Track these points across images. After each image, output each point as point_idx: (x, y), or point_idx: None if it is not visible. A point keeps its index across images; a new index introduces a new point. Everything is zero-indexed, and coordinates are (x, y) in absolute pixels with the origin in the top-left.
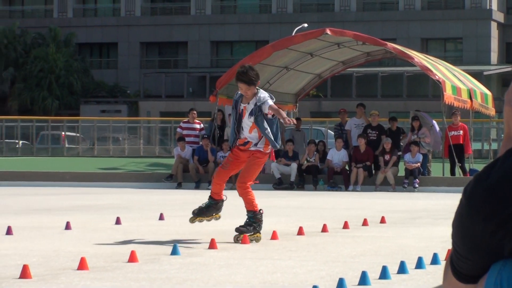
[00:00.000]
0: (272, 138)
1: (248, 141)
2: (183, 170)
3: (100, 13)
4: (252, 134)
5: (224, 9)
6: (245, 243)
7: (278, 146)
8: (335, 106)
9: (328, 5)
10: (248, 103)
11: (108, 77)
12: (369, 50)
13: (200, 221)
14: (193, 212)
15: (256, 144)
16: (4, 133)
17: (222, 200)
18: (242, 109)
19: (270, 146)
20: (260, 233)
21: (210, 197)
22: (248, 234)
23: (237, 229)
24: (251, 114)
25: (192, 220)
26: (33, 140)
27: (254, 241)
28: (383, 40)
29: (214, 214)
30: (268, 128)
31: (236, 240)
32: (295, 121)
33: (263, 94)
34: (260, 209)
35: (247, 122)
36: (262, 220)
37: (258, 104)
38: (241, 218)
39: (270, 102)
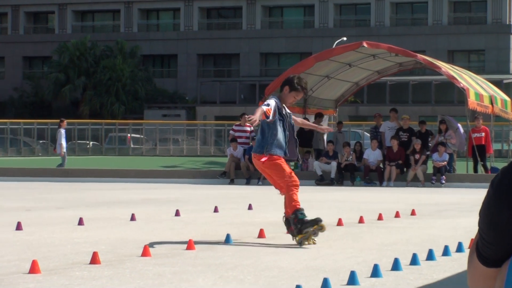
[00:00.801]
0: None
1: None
2: (235, 167)
3: (161, 28)
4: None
5: (272, 24)
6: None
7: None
8: (371, 111)
9: (365, 21)
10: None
11: (169, 85)
12: (401, 61)
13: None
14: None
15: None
16: (76, 135)
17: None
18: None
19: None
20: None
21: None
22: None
23: (293, 232)
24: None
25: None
26: (102, 141)
27: (318, 232)
28: (414, 52)
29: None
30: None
31: (300, 243)
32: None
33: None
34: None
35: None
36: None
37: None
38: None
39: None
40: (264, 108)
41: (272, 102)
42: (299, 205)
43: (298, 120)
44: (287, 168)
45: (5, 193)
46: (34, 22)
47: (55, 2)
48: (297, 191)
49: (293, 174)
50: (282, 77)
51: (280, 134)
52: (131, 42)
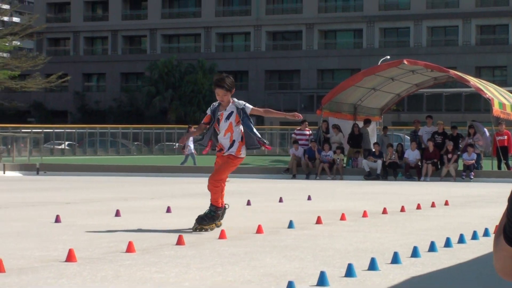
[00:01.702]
0: (259, 135)
1: (222, 148)
2: (297, 165)
3: (235, 48)
4: (225, 137)
5: (327, 45)
6: (343, 220)
7: (266, 142)
8: (410, 117)
9: (405, 42)
10: (225, 109)
11: (241, 95)
12: (436, 76)
13: (201, 229)
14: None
15: (228, 149)
16: (164, 138)
17: (224, 208)
18: (219, 116)
19: (242, 151)
20: (215, 224)
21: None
22: (205, 224)
23: (197, 220)
24: (227, 118)
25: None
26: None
27: (209, 230)
28: (447, 68)
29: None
30: (254, 128)
31: (195, 230)
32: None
33: (239, 100)
34: (225, 204)
35: (224, 125)
36: (220, 215)
37: (239, 107)
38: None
39: (250, 106)
40: (202, 122)
41: (208, 110)
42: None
43: (261, 110)
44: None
45: (106, 186)
46: (130, 44)
47: (147, 27)
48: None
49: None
50: (335, 89)
51: (210, 130)
52: (210, 60)
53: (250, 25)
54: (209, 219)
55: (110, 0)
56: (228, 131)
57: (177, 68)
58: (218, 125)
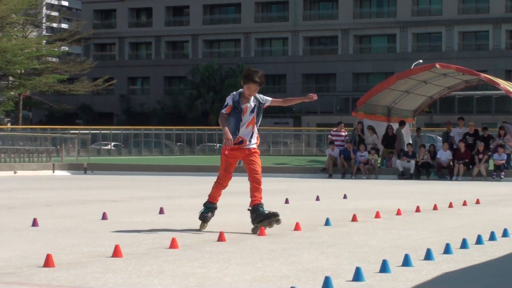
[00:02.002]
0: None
1: (242, 140)
2: (333, 165)
3: (273, 53)
4: (247, 129)
5: (362, 50)
6: (378, 218)
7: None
8: (442, 119)
9: (437, 46)
10: (249, 102)
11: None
12: (467, 79)
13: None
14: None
15: (250, 142)
16: (206, 139)
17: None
18: (244, 108)
19: (258, 141)
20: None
21: (209, 202)
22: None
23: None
24: (252, 111)
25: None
26: None
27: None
28: (478, 71)
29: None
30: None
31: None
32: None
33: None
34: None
35: (248, 118)
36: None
37: (262, 102)
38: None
39: (270, 98)
40: (223, 112)
41: (228, 100)
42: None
43: (279, 100)
44: (223, 165)
45: (150, 184)
46: (172, 49)
47: (189, 33)
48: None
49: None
50: (370, 92)
51: (232, 123)
52: (249, 64)
53: (288, 31)
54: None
55: (154, 7)
56: (250, 124)
57: (218, 72)
58: (242, 117)
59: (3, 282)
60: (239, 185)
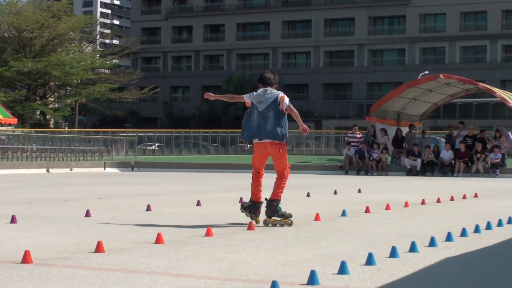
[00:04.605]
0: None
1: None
2: (349, 163)
3: (298, 65)
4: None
5: (375, 62)
6: (388, 209)
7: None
8: (445, 123)
9: (441, 59)
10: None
11: (302, 105)
12: (467, 88)
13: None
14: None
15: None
16: (238, 140)
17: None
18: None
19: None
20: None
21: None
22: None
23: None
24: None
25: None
26: None
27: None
28: (476, 81)
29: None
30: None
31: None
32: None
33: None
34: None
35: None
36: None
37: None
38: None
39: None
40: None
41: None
42: (281, 196)
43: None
44: (287, 163)
45: (189, 180)
46: (209, 62)
47: (224, 48)
48: (286, 184)
49: (289, 168)
50: (382, 99)
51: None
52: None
53: (310, 46)
54: (277, 214)
55: (194, 25)
56: None
57: (249, 82)
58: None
59: (60, 266)
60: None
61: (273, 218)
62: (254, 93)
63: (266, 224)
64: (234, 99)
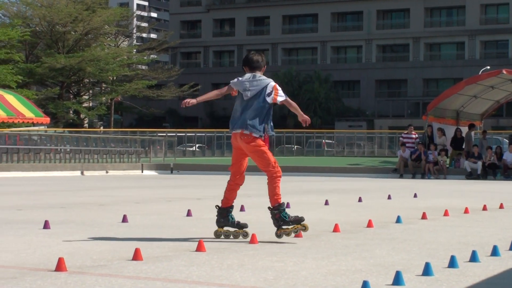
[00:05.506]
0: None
1: None
2: (404, 165)
3: (348, 60)
4: None
5: (432, 57)
6: (446, 216)
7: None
8: (509, 122)
9: (504, 53)
10: None
11: (353, 103)
12: None
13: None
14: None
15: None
16: (284, 140)
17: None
18: None
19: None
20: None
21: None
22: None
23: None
24: None
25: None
26: (303, 145)
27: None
28: None
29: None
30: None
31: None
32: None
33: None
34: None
35: None
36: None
37: None
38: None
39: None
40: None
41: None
42: (281, 199)
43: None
44: (271, 157)
45: None
46: None
47: (269, 42)
48: (280, 182)
49: (277, 163)
50: (440, 97)
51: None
52: (325, 71)
53: (362, 39)
54: (283, 221)
55: (237, 18)
56: None
57: (296, 79)
58: None
59: (96, 274)
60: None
61: (282, 228)
62: (240, 78)
63: (279, 236)
64: (222, 94)
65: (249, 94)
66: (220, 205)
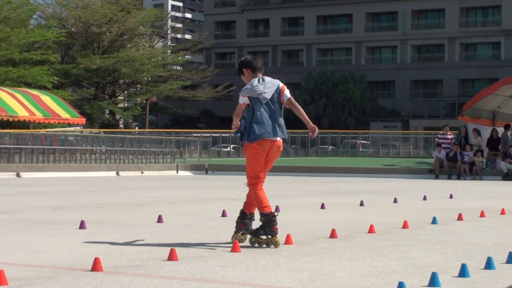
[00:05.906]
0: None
1: None
2: (439, 166)
3: (383, 60)
4: None
5: (468, 57)
6: (482, 217)
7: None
8: None
9: None
10: None
11: (388, 103)
12: None
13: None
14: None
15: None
16: (319, 141)
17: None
18: None
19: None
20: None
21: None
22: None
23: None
24: None
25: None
26: (338, 146)
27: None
28: None
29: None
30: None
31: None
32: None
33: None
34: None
35: None
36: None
37: None
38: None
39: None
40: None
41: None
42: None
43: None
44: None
45: (266, 184)
46: (288, 58)
47: (304, 42)
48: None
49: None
50: (475, 97)
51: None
52: (360, 71)
53: (396, 39)
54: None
55: (271, 18)
56: None
57: (330, 79)
58: None
59: (131, 274)
60: (344, 185)
61: (258, 237)
62: (249, 86)
63: (252, 243)
64: (238, 112)
65: (267, 97)
66: (266, 212)
